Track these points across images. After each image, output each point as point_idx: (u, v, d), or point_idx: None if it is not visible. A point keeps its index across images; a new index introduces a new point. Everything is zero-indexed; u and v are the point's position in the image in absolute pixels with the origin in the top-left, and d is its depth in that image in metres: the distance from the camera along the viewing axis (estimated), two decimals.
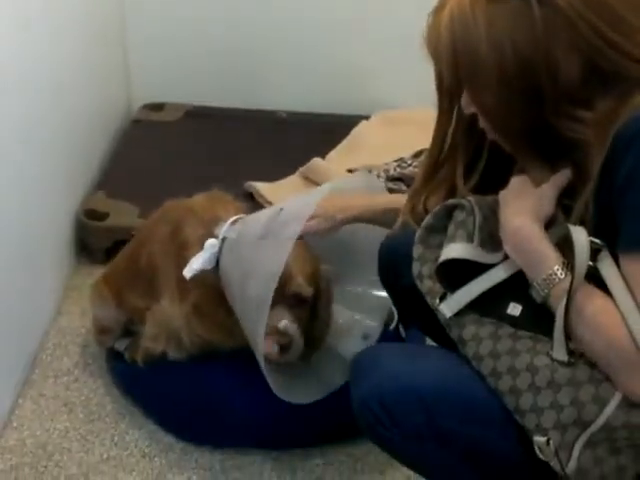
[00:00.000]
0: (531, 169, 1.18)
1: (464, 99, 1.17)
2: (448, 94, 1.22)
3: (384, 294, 1.61)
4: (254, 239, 1.50)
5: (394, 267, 1.42)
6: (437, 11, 1.16)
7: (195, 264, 1.57)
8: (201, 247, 1.59)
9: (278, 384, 1.48)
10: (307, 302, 1.57)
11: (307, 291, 1.55)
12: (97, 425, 1.78)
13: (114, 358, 1.89)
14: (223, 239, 1.58)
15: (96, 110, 2.51)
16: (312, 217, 1.55)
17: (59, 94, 2.10)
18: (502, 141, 1.18)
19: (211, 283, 1.60)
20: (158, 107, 2.87)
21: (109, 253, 2.23)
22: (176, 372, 1.75)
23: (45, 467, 1.68)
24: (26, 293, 1.89)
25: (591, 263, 1.06)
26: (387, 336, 1.79)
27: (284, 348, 1.52)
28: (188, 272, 1.57)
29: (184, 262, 1.59)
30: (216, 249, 1.58)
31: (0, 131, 1.71)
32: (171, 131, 2.75)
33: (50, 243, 2.11)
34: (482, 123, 1.19)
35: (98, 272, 2.13)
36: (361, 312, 1.78)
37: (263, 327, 1.41)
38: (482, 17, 1.09)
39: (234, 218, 1.61)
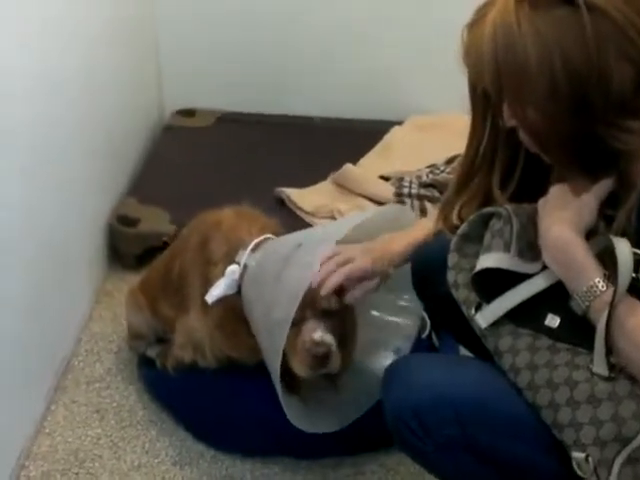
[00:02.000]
0: (572, 179, 1.15)
1: (505, 113, 1.14)
2: (484, 106, 1.19)
3: (410, 321, 1.58)
4: (273, 274, 1.49)
5: (428, 276, 1.41)
6: (476, 23, 1.12)
7: (216, 291, 1.58)
8: (223, 265, 1.59)
9: (298, 412, 1.48)
10: (337, 314, 1.56)
11: (335, 303, 1.53)
12: (128, 432, 1.78)
13: (146, 365, 1.89)
14: (245, 266, 1.58)
15: (128, 117, 2.52)
16: (363, 276, 1.48)
17: (92, 101, 2.11)
18: (543, 154, 1.16)
19: (233, 304, 1.60)
20: (190, 113, 2.88)
21: (141, 259, 2.24)
22: (207, 380, 1.74)
23: (77, 474, 1.68)
24: (58, 299, 1.89)
25: (634, 275, 1.03)
26: (420, 345, 1.77)
27: (323, 358, 1.49)
28: (210, 298, 1.58)
29: (208, 278, 1.60)
30: (236, 276, 1.58)
31: (35, 138, 1.72)
32: (203, 137, 2.75)
33: (82, 249, 2.12)
34: (522, 136, 1.15)
35: (130, 278, 2.15)
36: (392, 324, 1.75)
37: (280, 350, 1.40)
38: (528, 27, 1.05)
39: (255, 242, 1.60)
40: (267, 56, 2.83)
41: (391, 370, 1.28)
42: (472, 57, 1.13)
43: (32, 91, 1.70)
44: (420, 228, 1.50)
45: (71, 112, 1.96)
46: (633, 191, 1.05)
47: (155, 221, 2.28)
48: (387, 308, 1.75)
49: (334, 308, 1.52)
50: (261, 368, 1.68)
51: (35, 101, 1.72)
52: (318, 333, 1.49)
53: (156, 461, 1.72)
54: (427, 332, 1.80)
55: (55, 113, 1.84)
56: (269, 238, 1.62)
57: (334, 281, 1.44)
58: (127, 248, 2.29)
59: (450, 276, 1.24)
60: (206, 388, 1.75)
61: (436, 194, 2.34)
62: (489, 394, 1.17)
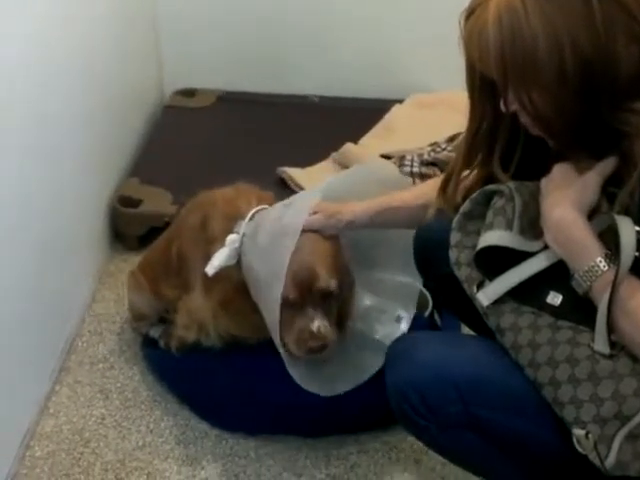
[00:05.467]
0: (575, 158, 1.15)
1: (509, 97, 1.12)
2: (483, 90, 1.18)
3: (413, 280, 1.58)
4: (264, 237, 1.49)
5: (430, 254, 1.41)
6: (478, 8, 1.10)
7: (216, 261, 1.57)
8: (224, 242, 1.58)
9: (305, 375, 1.48)
10: (334, 295, 1.56)
11: (333, 285, 1.53)
12: (133, 412, 1.79)
13: (149, 345, 1.90)
14: (243, 235, 1.57)
15: (129, 97, 2.51)
16: (315, 212, 1.51)
17: (92, 82, 2.11)
18: (547, 136, 1.15)
19: (236, 278, 1.59)
20: (190, 93, 2.87)
21: (143, 240, 2.24)
22: (210, 359, 1.74)
23: (81, 454, 1.69)
24: (61, 280, 1.90)
25: (637, 254, 1.03)
26: (422, 323, 1.78)
27: (321, 348, 1.50)
28: (210, 269, 1.57)
29: (209, 256, 1.59)
30: (237, 244, 1.57)
31: (35, 119, 1.72)
32: (203, 117, 2.75)
33: (84, 230, 2.12)
34: (524, 119, 1.15)
35: (132, 259, 2.16)
36: (392, 297, 1.76)
37: (277, 325, 1.41)
38: (535, 12, 1.03)
39: (254, 211, 1.60)
40: (267, 36, 2.82)
41: (395, 349, 1.28)
42: (474, 42, 1.11)
43: (32, 72, 1.70)
44: (379, 200, 1.51)
45: (72, 93, 1.95)
46: (636, 170, 1.05)
47: (157, 202, 2.28)
48: (388, 284, 1.76)
49: (333, 289, 1.53)
50: (265, 346, 1.69)
51: (35, 82, 1.71)
52: (316, 323, 1.49)
53: (160, 440, 1.73)
54: (429, 310, 1.81)
55: (56, 94, 1.84)
56: (266, 208, 1.62)
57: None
58: (129, 229, 2.29)
59: (452, 254, 1.25)
60: (210, 367, 1.75)
61: (438, 172, 2.34)
62: (492, 372, 1.17)
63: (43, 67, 1.75)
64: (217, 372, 1.75)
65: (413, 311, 1.75)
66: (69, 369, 1.89)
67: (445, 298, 1.52)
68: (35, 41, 1.71)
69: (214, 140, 2.60)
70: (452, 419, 1.17)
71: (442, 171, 2.34)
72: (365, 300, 1.76)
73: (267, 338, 1.54)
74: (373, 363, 1.60)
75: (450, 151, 2.39)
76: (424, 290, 1.77)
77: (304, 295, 1.49)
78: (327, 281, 1.51)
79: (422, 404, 1.17)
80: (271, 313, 1.43)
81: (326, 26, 2.80)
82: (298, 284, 1.47)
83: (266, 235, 1.50)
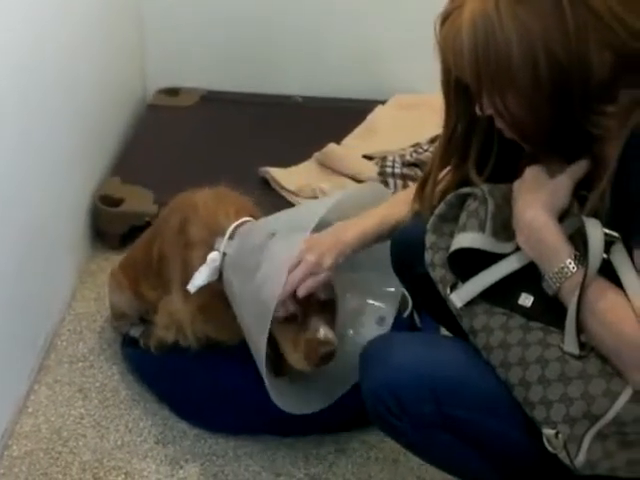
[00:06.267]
0: (547, 161, 1.16)
1: (483, 101, 1.13)
2: (457, 94, 1.19)
3: (395, 281, 1.59)
4: (251, 265, 1.49)
5: (407, 256, 1.41)
6: (453, 12, 1.10)
7: (198, 280, 1.58)
8: (202, 251, 1.60)
9: (284, 394, 1.50)
10: (334, 303, 1.58)
11: (331, 292, 1.55)
12: (111, 411, 1.79)
13: (129, 344, 1.90)
14: (224, 254, 1.58)
15: (111, 95, 2.50)
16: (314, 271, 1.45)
17: (75, 79, 2.10)
18: (520, 139, 1.16)
19: (214, 288, 1.60)
20: (173, 92, 2.86)
21: (124, 239, 2.24)
22: (190, 359, 1.75)
23: (60, 453, 1.69)
24: (41, 279, 1.90)
25: (605, 256, 1.04)
26: (401, 324, 1.78)
27: (328, 356, 1.51)
28: (192, 287, 1.58)
29: (188, 261, 1.60)
30: (217, 263, 1.58)
31: (15, 116, 1.71)
32: (186, 116, 2.74)
33: (65, 229, 2.11)
34: (499, 124, 1.15)
35: (113, 258, 2.15)
36: (374, 297, 1.77)
37: (264, 345, 1.41)
38: (509, 18, 1.03)
39: (232, 227, 1.60)
40: (252, 35, 2.82)
41: (369, 349, 1.29)
42: (449, 47, 1.12)
43: (12, 69, 1.69)
44: (372, 215, 1.49)
45: (53, 91, 1.95)
46: (606, 172, 1.06)
47: (138, 201, 2.28)
48: (370, 285, 1.76)
49: (332, 297, 1.54)
50: (243, 347, 1.70)
51: (16, 80, 1.71)
52: (322, 331, 1.50)
53: (139, 440, 1.73)
54: (408, 312, 1.82)
55: (37, 92, 1.83)
56: (247, 221, 1.63)
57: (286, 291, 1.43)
58: (110, 228, 2.29)
59: (427, 256, 1.25)
60: (189, 367, 1.76)
61: (419, 173, 2.34)
62: (466, 372, 1.18)
63: (23, 66, 1.75)
64: (196, 372, 1.75)
65: (395, 310, 1.76)
66: (48, 368, 1.89)
67: (423, 300, 1.53)
68: (18, 37, 1.70)
69: (197, 140, 2.60)
70: (426, 419, 1.18)
71: None
72: (346, 302, 1.76)
73: (244, 340, 1.55)
74: (355, 371, 1.61)
75: (432, 152, 2.40)
76: (405, 291, 1.78)
77: (306, 307, 1.50)
78: (326, 289, 1.52)
79: (396, 404, 1.18)
80: (258, 345, 1.43)
81: (310, 27, 2.80)
82: (300, 300, 1.47)
83: (251, 264, 1.49)
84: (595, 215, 1.07)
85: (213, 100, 2.82)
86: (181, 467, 1.67)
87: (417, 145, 2.48)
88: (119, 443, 1.72)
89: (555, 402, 1.07)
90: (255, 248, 1.51)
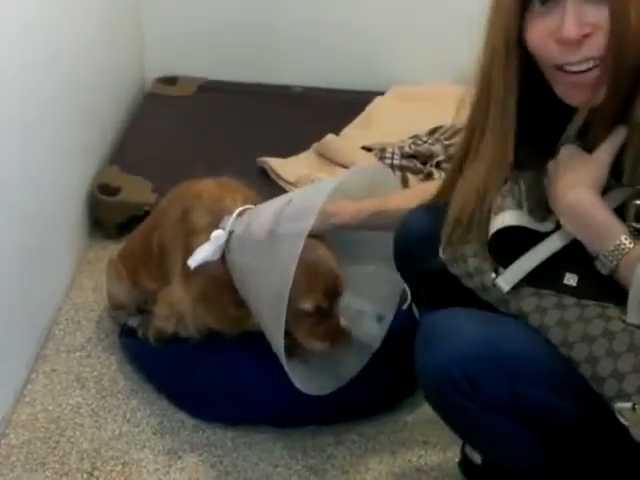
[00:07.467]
0: (599, 131, 1.11)
1: (591, 12, 1.03)
2: (511, 59, 1.11)
3: (396, 277, 1.59)
4: (263, 234, 1.48)
5: (411, 252, 1.40)
6: None
7: (199, 255, 1.55)
8: (207, 236, 1.57)
9: (299, 377, 1.51)
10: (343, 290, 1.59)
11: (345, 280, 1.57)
12: (109, 401, 1.79)
13: (127, 334, 1.89)
14: (230, 232, 1.56)
15: (110, 84, 2.49)
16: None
17: (73, 67, 2.09)
18: (617, 66, 1.06)
19: (216, 274, 1.59)
20: (171, 81, 2.85)
21: (122, 228, 2.23)
22: (189, 349, 1.74)
23: (57, 442, 1.68)
24: (39, 268, 1.89)
25: None
26: (401, 316, 1.78)
27: (346, 340, 1.57)
28: (192, 262, 1.55)
29: (191, 249, 1.58)
30: (222, 241, 1.56)
31: (13, 104, 1.70)
32: (184, 105, 2.73)
33: (63, 218, 2.11)
34: (588, 50, 1.05)
35: (111, 247, 2.15)
36: (373, 293, 1.76)
37: (282, 325, 1.41)
38: None
39: (240, 209, 1.59)
40: (249, 25, 2.81)
41: (430, 324, 1.22)
42: None
43: (9, 58, 1.68)
44: (371, 201, 1.51)
45: (51, 79, 1.94)
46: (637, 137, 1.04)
47: (137, 190, 2.27)
48: (369, 280, 1.76)
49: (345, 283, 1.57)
50: (243, 338, 1.70)
51: (13, 67, 1.69)
52: (342, 320, 1.55)
53: (137, 430, 1.72)
54: (407, 304, 1.81)
55: (34, 81, 1.82)
56: (251, 209, 1.62)
57: None
58: (108, 217, 2.28)
59: (449, 251, 1.24)
60: (188, 358, 1.75)
61: (418, 165, 2.35)
62: (534, 350, 1.14)
63: (21, 51, 1.73)
64: (195, 363, 1.75)
65: (395, 306, 1.76)
66: (46, 357, 1.88)
67: (428, 294, 1.49)
68: (13, 28, 1.69)
69: (195, 129, 2.59)
70: (496, 398, 1.14)
71: (423, 163, 2.35)
72: (345, 298, 1.76)
73: (245, 331, 1.55)
74: (353, 366, 1.65)
75: (431, 144, 2.40)
76: (405, 285, 1.77)
77: (332, 301, 1.53)
78: (342, 278, 1.56)
79: (467, 383, 1.13)
80: (273, 309, 1.43)
81: (310, 17, 2.79)
82: (329, 293, 1.52)
83: (263, 235, 1.49)
84: (630, 184, 1.06)
85: (211, 89, 2.82)
86: (179, 457, 1.66)
87: (416, 137, 2.47)
88: (117, 433, 1.71)
89: (627, 374, 1.04)
90: (273, 216, 1.49)
